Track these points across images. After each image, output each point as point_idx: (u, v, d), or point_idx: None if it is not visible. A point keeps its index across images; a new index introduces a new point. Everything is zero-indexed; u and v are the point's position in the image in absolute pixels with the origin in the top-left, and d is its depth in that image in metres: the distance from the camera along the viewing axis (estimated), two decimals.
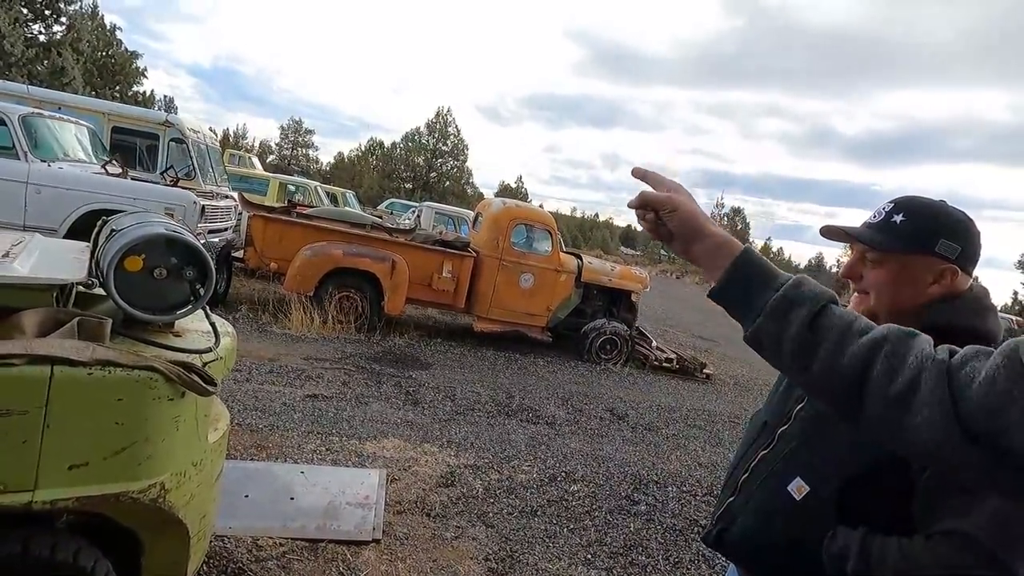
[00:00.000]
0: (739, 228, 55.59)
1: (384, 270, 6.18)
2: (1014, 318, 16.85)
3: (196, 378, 1.57)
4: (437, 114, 48.43)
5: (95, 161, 6.31)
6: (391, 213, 16.66)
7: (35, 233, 1.91)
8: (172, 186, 6.40)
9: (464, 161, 49.68)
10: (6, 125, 5.53)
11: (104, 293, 1.54)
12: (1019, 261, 16.78)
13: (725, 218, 53.58)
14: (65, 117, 6.52)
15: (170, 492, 1.56)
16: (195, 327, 1.78)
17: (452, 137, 48.60)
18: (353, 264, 6.11)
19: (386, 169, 49.31)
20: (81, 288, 1.62)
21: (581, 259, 7.30)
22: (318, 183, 15.31)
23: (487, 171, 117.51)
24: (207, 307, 1.78)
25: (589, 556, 2.71)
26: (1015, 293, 17.43)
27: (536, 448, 3.92)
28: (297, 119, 54.88)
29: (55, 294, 1.52)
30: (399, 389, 4.66)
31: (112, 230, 1.66)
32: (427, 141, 48.32)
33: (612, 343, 7.07)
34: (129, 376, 1.43)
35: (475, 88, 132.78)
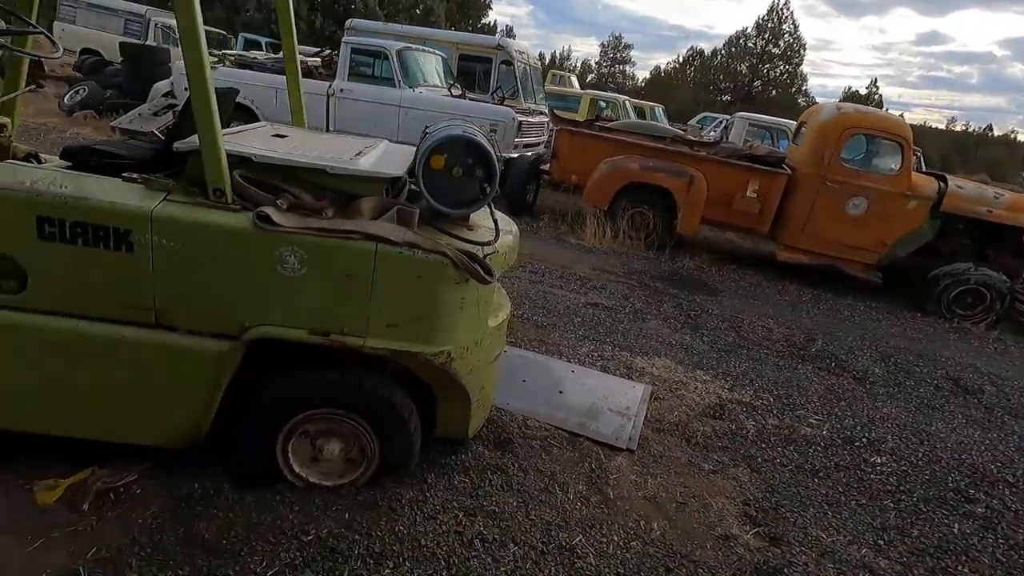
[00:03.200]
0: None
1: (680, 186, 5.85)
2: None
3: (477, 267, 1.76)
4: (770, 9, 41.81)
5: (444, 86, 7.53)
6: (701, 128, 15.52)
7: (384, 139, 2.35)
8: (499, 105, 7.22)
9: (798, 65, 42.40)
10: (388, 59, 6.99)
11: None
12: None
13: None
14: (428, 49, 7.87)
15: (455, 360, 1.84)
16: (485, 223, 1.98)
17: (787, 36, 41.61)
18: (648, 179, 5.96)
19: (703, 81, 45.66)
20: (414, 187, 1.92)
21: (945, 182, 5.56)
22: (627, 98, 15.17)
23: (829, 76, 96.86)
24: (491, 205, 1.95)
25: (882, 542, 2.23)
26: None
27: (833, 403, 3.33)
28: (617, 35, 54.67)
29: (386, 186, 1.86)
30: (680, 311, 4.50)
31: (425, 133, 1.92)
32: (754, 44, 42.53)
33: (978, 296, 5.35)
34: (427, 258, 1.69)
35: None
